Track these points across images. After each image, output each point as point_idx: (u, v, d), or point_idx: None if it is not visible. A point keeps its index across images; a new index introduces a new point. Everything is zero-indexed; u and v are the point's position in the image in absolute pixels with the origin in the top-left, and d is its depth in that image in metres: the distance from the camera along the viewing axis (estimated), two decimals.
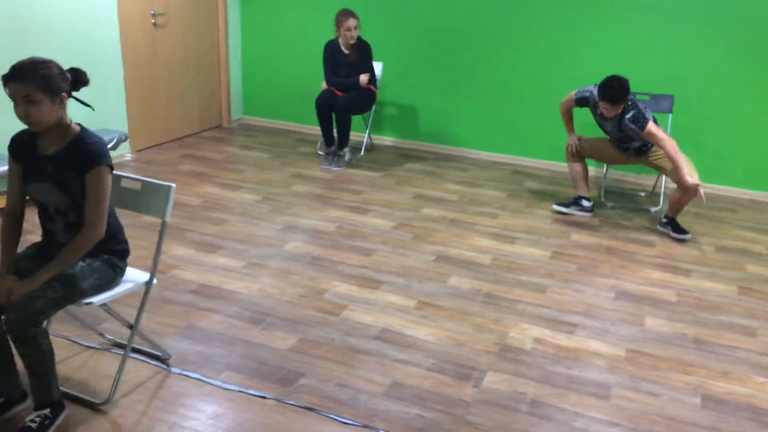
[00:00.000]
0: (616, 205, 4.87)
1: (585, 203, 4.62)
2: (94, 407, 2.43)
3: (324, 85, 5.50)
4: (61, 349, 2.75)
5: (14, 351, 2.22)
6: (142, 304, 2.55)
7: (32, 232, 2.42)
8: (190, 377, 2.65)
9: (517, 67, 5.61)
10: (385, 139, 6.25)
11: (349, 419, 2.45)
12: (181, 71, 5.90)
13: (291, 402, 2.52)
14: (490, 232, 4.27)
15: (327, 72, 5.44)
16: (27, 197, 2.37)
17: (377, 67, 5.69)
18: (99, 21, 4.93)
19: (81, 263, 2.30)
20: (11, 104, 2.16)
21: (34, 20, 4.42)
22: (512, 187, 5.21)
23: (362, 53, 5.40)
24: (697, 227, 4.52)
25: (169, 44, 5.71)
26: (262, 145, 5.96)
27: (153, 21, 5.46)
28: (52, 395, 2.29)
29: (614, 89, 4.05)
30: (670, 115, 4.97)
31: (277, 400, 2.54)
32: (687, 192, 4.10)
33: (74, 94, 2.31)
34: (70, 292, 2.23)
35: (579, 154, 4.60)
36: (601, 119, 4.37)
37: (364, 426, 2.42)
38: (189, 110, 6.09)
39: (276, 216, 4.35)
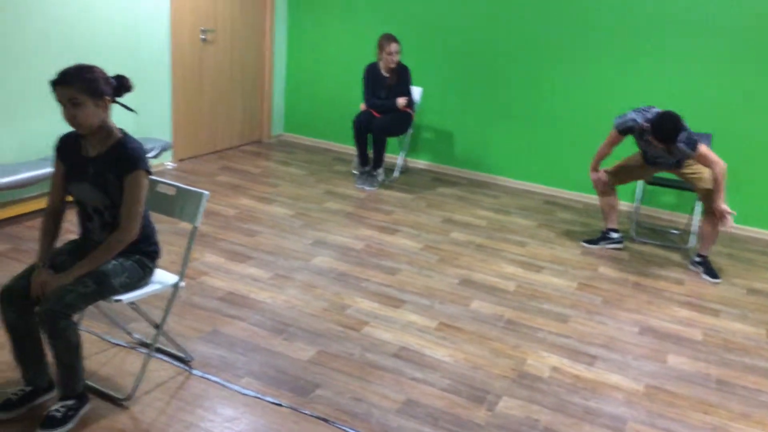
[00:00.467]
0: (647, 241, 4.83)
1: (614, 235, 4.60)
2: (116, 402, 2.51)
3: (362, 106, 5.61)
4: (90, 345, 2.85)
5: (45, 343, 2.32)
6: (169, 305, 2.64)
7: (73, 231, 2.53)
8: (211, 380, 2.71)
9: (554, 98, 5.64)
10: (420, 162, 6.32)
11: None
12: (226, 86, 6.08)
13: (306, 411, 2.57)
14: (517, 260, 4.28)
15: (366, 94, 5.55)
16: (69, 197, 2.49)
17: (416, 91, 5.78)
18: (152, 36, 5.13)
19: (113, 261, 2.40)
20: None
21: (93, 35, 4.63)
22: (543, 216, 5.21)
23: (401, 77, 5.50)
24: (730, 268, 4.45)
25: (216, 60, 5.90)
26: (299, 162, 6.08)
27: (202, 37, 5.66)
28: (77, 387, 2.37)
29: (669, 131, 3.94)
30: None
31: (293, 408, 2.58)
32: (714, 219, 4.06)
33: (119, 99, 2.43)
34: (101, 288, 2.33)
35: (610, 186, 4.57)
36: (646, 145, 4.28)
37: None
38: (231, 124, 6.27)
39: (306, 231, 4.43)
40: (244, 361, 2.87)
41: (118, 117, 2.43)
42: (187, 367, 2.79)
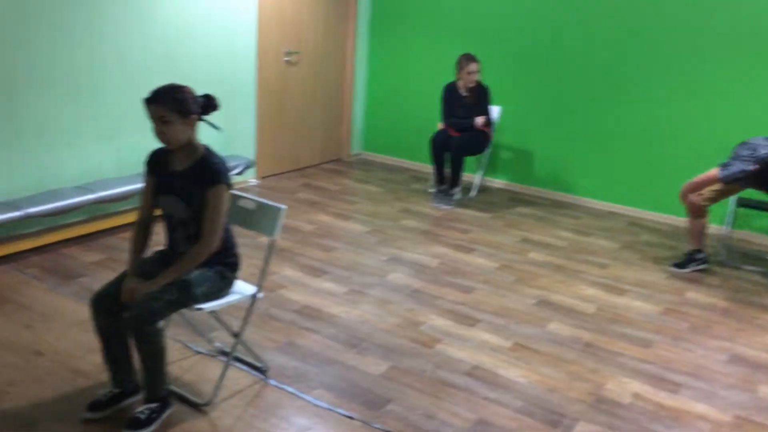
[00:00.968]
0: (739, 266, 4.58)
1: (699, 255, 4.39)
2: (196, 407, 2.61)
3: (440, 125, 5.63)
4: (174, 351, 2.98)
5: (132, 347, 2.45)
6: (247, 315, 2.73)
7: (161, 243, 2.68)
8: (285, 390, 2.77)
9: (638, 117, 5.47)
10: (497, 182, 6.26)
11: None
12: (308, 106, 6.26)
13: (377, 425, 2.58)
14: (598, 282, 4.16)
15: (445, 112, 5.57)
16: (157, 210, 2.62)
17: (495, 110, 5.75)
18: (239, 58, 5.36)
19: (196, 271, 2.51)
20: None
21: (185, 57, 4.89)
22: (627, 238, 5.04)
23: (480, 96, 5.49)
24: None
25: (299, 80, 6.08)
26: (377, 180, 6.16)
27: (287, 59, 5.86)
28: (161, 391, 2.49)
29: None
30: None
31: (364, 422, 2.60)
32: None
33: (205, 117, 2.55)
34: (184, 296, 2.43)
35: (704, 208, 4.36)
36: (753, 183, 4.07)
37: None
38: (312, 143, 6.43)
39: (382, 247, 4.47)
40: (317, 373, 2.91)
41: (206, 134, 2.55)
42: (263, 377, 2.86)
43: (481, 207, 5.56)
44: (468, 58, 5.40)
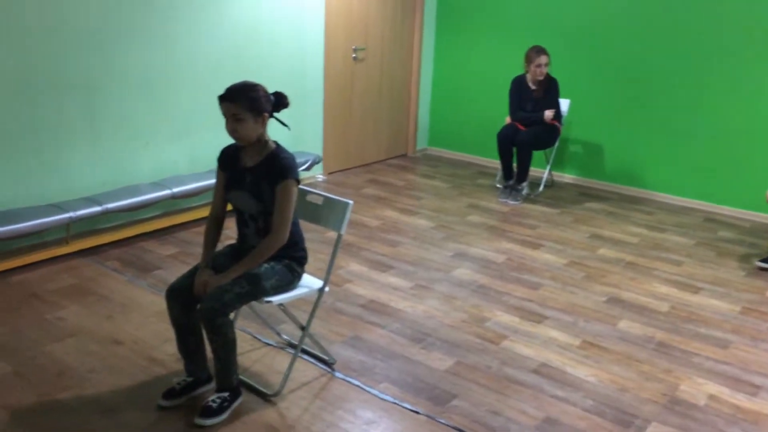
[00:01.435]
0: None
1: None
2: (265, 397, 2.68)
3: (508, 120, 5.56)
4: (244, 343, 3.06)
5: (205, 338, 2.53)
6: (314, 308, 2.77)
7: (232, 237, 2.76)
8: (351, 383, 2.81)
9: (715, 109, 5.24)
10: (566, 177, 6.13)
11: None
12: (374, 102, 6.29)
13: (442, 420, 2.58)
14: (672, 279, 4.02)
15: (512, 106, 5.49)
16: (229, 205, 2.70)
17: (564, 104, 5.63)
18: (308, 56, 5.44)
19: (265, 265, 2.57)
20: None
21: (255, 57, 5.00)
22: (703, 234, 4.85)
23: (549, 89, 5.39)
24: None
25: (366, 77, 6.13)
26: (443, 175, 6.14)
27: (354, 56, 5.91)
28: (232, 381, 2.56)
29: None
30: None
31: (429, 416, 2.61)
32: None
33: (276, 115, 2.61)
34: (254, 289, 2.50)
35: None
36: None
37: None
38: (378, 139, 6.47)
39: (448, 243, 4.46)
40: (383, 367, 2.94)
41: (275, 130, 2.61)
42: (329, 369, 2.90)
43: (549, 202, 5.46)
44: (537, 51, 5.30)
